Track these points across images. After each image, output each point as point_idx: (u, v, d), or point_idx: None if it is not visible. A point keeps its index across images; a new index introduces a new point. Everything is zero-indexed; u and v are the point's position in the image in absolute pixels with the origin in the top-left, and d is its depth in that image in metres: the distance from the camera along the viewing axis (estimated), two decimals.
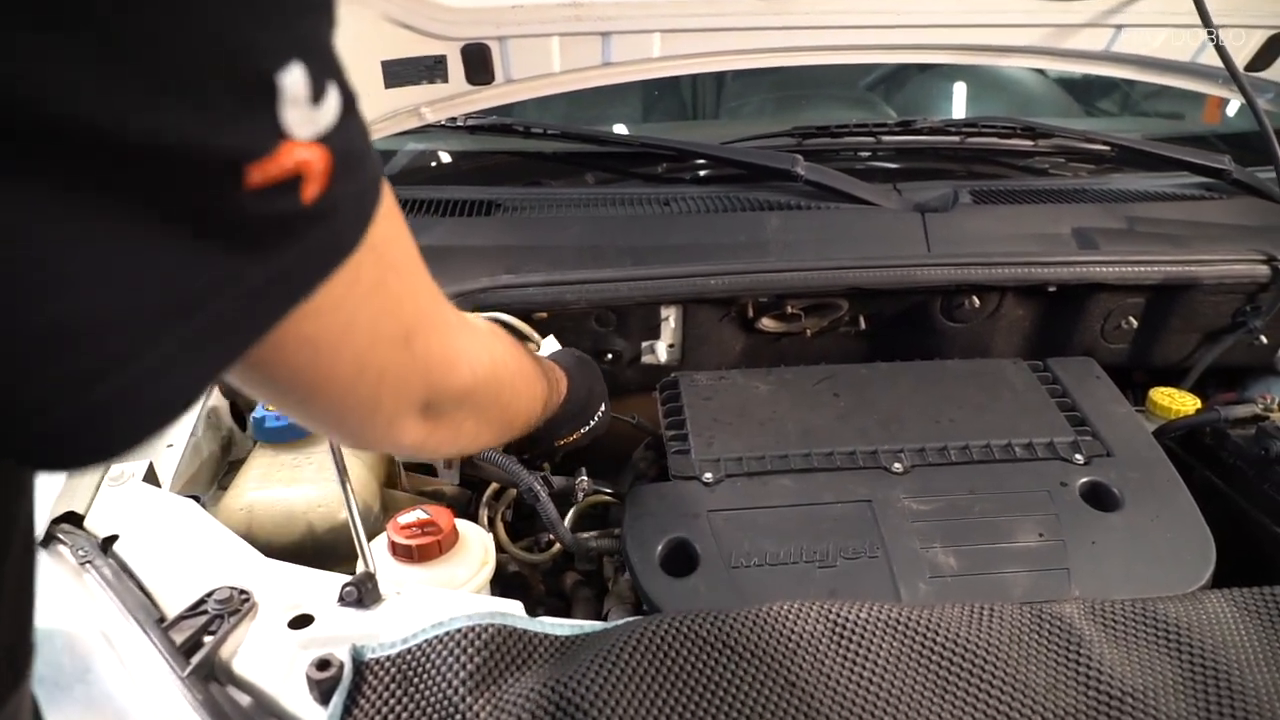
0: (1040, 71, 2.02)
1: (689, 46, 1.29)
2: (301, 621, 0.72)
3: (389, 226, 0.45)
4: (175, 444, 1.00)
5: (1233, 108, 2.02)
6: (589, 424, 0.97)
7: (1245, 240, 1.35)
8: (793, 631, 0.69)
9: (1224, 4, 1.31)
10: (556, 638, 0.70)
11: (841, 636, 0.69)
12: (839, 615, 0.71)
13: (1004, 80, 2.00)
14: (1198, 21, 1.24)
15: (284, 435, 1.02)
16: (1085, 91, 2.28)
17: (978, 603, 0.74)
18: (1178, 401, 1.23)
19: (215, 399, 1.09)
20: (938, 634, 0.69)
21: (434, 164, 1.55)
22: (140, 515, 0.83)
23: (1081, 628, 0.70)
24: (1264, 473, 1.07)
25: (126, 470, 0.88)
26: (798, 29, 1.31)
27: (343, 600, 0.74)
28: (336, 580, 0.77)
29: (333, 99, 0.34)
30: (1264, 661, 0.68)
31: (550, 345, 1.12)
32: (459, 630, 0.67)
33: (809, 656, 0.68)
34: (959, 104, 1.98)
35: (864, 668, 0.67)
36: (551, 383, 0.83)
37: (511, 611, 0.72)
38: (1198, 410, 1.20)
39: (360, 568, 0.78)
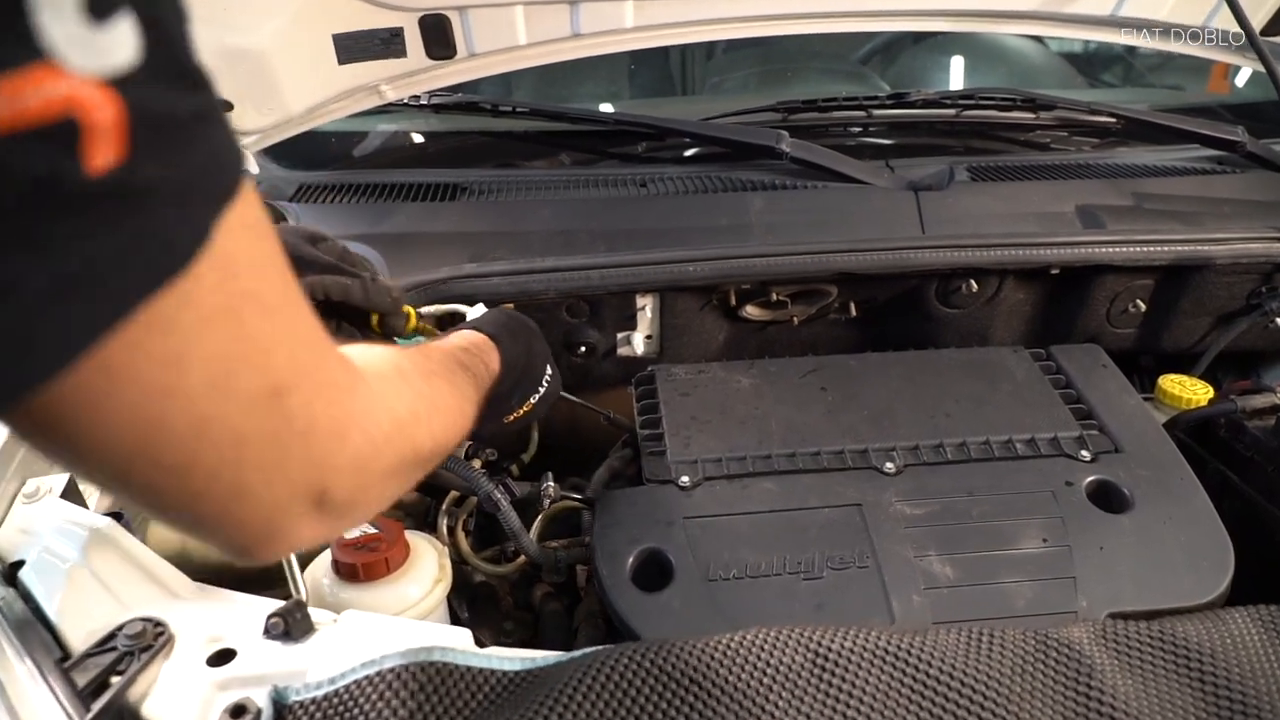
0: (1040, 41, 1.93)
1: (665, 15, 1.20)
2: (222, 657, 0.65)
3: (253, 245, 0.35)
4: None
5: (1242, 77, 1.93)
6: (538, 391, 0.85)
7: (1260, 217, 1.27)
8: (768, 664, 0.62)
9: None
10: (504, 674, 0.63)
11: (823, 669, 0.62)
12: (820, 644, 0.63)
13: (1003, 51, 1.91)
14: None
15: None
16: (1087, 64, 2.19)
17: (975, 628, 0.66)
18: (1189, 390, 1.15)
19: None
20: (930, 665, 0.62)
21: (396, 146, 1.47)
22: (53, 537, 0.75)
23: (1092, 655, 0.63)
24: None
25: (43, 486, 0.81)
26: None
27: (268, 633, 0.66)
28: (266, 608, 0.69)
29: (126, 29, 0.27)
30: None
31: (478, 310, 1.01)
32: (391, 670, 0.60)
33: (787, 693, 0.60)
34: (956, 77, 1.89)
35: (848, 705, 0.60)
36: (477, 373, 0.72)
37: (455, 644, 0.64)
38: (1211, 400, 1.12)
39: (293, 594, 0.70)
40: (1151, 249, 1.15)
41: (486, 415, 0.75)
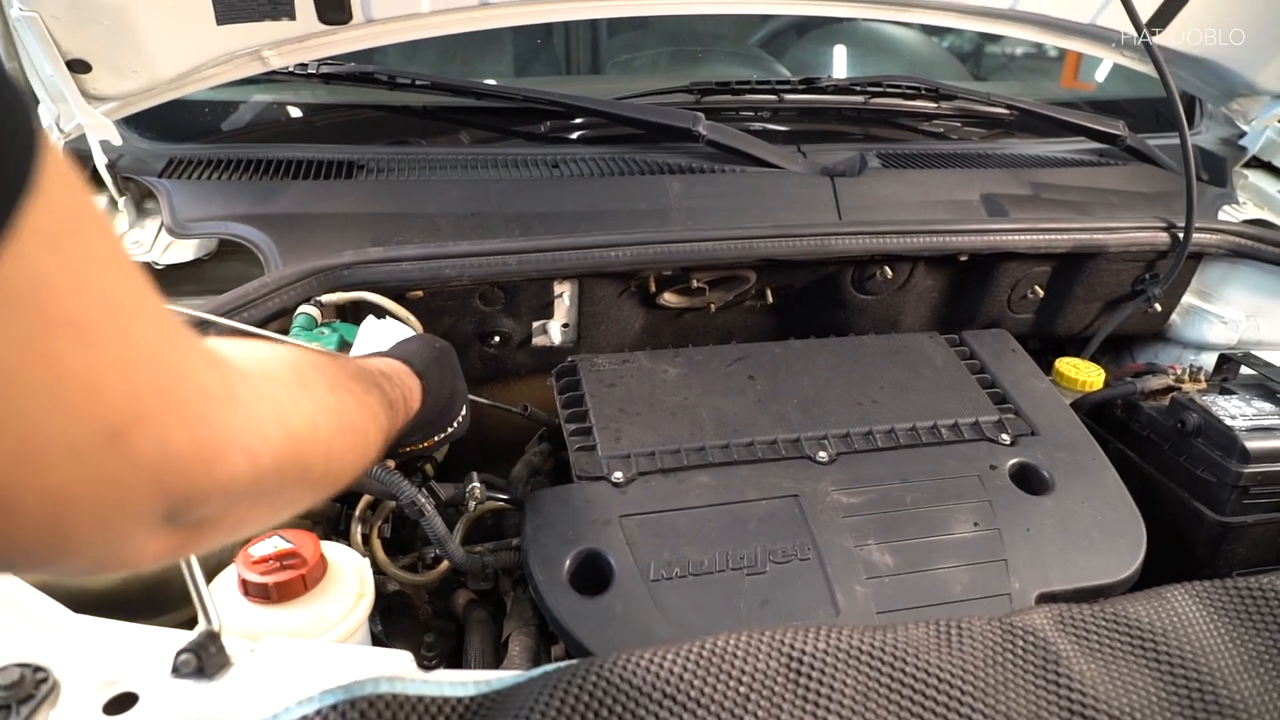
0: (931, 33, 1.98)
1: None
2: (121, 704, 0.56)
3: (71, 252, 0.28)
4: None
5: (1102, 72, 2.04)
6: (446, 430, 0.79)
7: (1142, 207, 1.34)
8: (743, 672, 0.59)
9: None
10: (458, 700, 0.57)
11: (799, 674, 0.59)
12: (794, 648, 0.61)
13: (892, 43, 1.94)
14: None
15: None
16: (966, 59, 2.28)
17: (942, 619, 0.65)
18: (1084, 372, 1.20)
19: None
20: (906, 661, 0.60)
21: (278, 119, 1.34)
22: None
23: (1056, 642, 0.63)
24: (1179, 446, 1.04)
25: None
26: None
27: (177, 671, 0.58)
28: (169, 640, 0.60)
29: None
30: (1242, 667, 0.63)
31: (387, 332, 0.88)
32: (334, 708, 0.53)
33: (765, 702, 0.57)
34: (846, 67, 1.91)
35: (828, 710, 0.57)
36: (395, 404, 0.64)
37: (398, 671, 0.58)
38: (1109, 382, 1.17)
39: (201, 623, 0.61)
40: (1054, 237, 1.19)
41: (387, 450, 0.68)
